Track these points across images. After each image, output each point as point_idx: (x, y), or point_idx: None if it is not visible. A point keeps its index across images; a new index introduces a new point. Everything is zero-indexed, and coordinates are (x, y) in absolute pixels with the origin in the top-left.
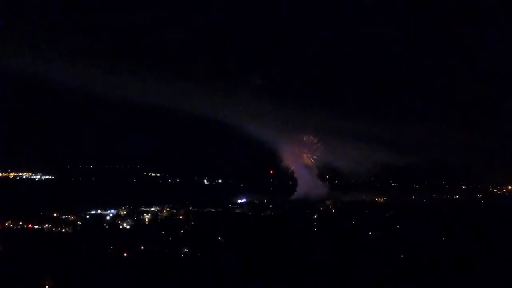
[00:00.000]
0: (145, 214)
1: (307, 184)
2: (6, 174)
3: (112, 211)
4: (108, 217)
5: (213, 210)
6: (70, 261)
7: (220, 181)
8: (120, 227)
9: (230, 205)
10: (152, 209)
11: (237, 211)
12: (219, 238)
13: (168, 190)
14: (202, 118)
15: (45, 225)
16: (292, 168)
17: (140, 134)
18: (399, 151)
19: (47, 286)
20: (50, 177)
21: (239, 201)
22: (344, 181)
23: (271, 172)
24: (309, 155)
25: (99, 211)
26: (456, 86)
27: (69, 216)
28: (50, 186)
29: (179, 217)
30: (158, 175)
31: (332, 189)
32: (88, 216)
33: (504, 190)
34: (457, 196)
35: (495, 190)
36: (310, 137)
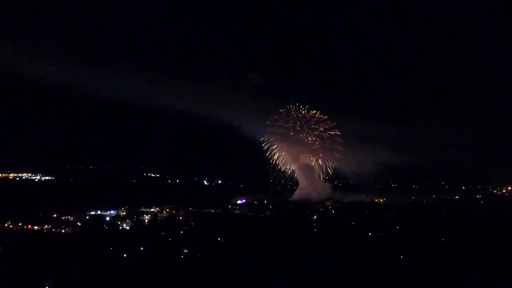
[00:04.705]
0: (144, 215)
1: (307, 184)
2: (6, 174)
3: (112, 212)
4: (107, 218)
5: (212, 211)
6: (70, 262)
7: (219, 181)
8: (120, 228)
9: (229, 206)
10: (152, 210)
11: (237, 211)
12: (219, 239)
13: (168, 190)
14: (201, 118)
15: (44, 225)
16: (292, 168)
17: (140, 135)
18: (399, 151)
19: (46, 287)
20: (50, 177)
21: (238, 201)
22: (344, 181)
23: (271, 172)
24: (309, 156)
25: (98, 212)
26: (456, 86)
27: (69, 216)
28: (50, 187)
29: (179, 218)
30: (158, 175)
31: (331, 189)
32: (87, 217)
33: (504, 191)
34: (456, 197)
35: (494, 191)
36: (310, 138)
